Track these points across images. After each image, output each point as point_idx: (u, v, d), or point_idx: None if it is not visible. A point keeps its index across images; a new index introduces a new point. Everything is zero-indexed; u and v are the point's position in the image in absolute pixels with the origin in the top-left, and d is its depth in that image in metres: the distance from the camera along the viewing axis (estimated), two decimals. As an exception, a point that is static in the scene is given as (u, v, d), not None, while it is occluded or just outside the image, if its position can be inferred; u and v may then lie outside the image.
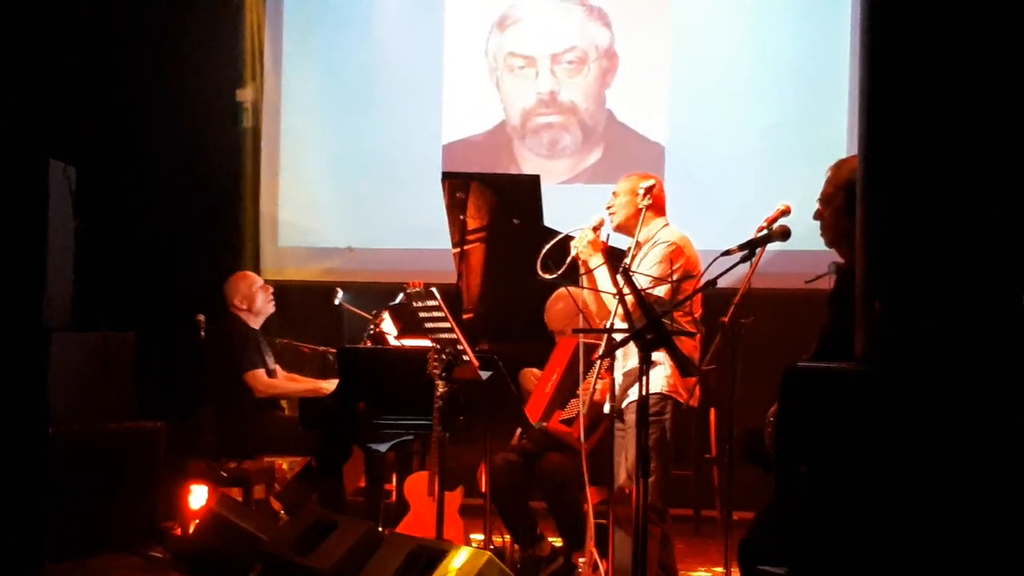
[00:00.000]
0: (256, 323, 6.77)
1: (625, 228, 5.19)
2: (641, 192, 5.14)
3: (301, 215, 8.77)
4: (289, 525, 5.19)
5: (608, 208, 5.23)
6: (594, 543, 5.39)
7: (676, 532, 5.21)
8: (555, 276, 5.04)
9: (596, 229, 5.09)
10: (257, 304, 6.75)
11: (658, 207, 5.19)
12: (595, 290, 5.08)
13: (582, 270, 5.08)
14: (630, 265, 4.90)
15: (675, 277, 4.93)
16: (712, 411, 7.00)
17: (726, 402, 4.80)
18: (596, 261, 5.05)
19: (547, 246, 5.03)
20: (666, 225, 5.18)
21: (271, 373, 6.65)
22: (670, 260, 5.00)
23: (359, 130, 8.69)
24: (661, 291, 4.90)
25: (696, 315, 5.05)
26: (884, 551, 2.48)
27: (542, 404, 5.63)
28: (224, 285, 6.81)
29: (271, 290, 6.85)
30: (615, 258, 5.04)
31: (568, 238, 5.09)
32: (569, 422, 5.47)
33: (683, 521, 6.82)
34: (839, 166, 3.79)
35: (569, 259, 5.04)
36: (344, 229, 8.65)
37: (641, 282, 4.69)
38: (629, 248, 5.09)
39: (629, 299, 4.45)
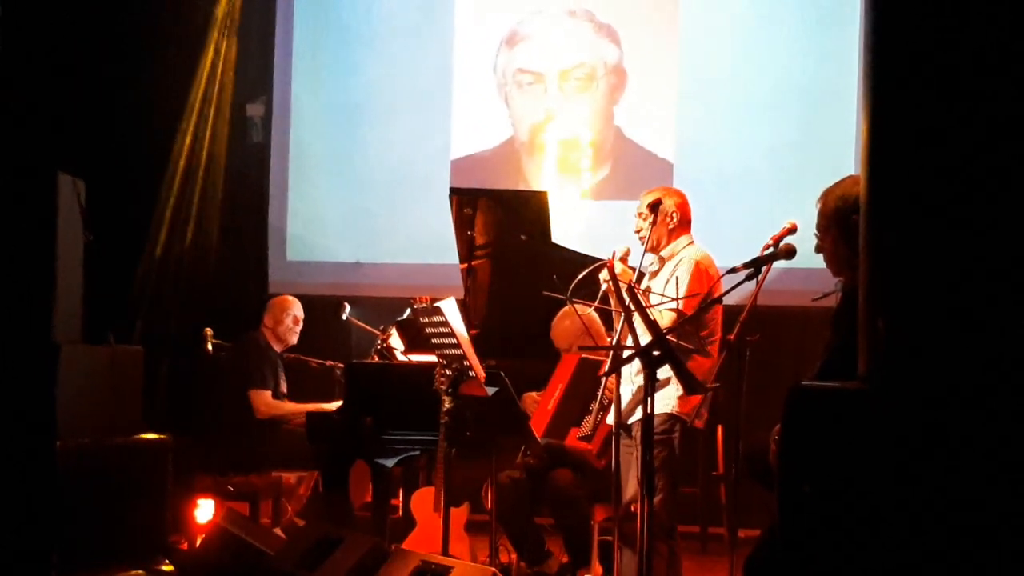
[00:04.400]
0: (278, 346, 6.86)
1: (655, 249, 5.16)
2: (671, 211, 5.13)
3: (309, 229, 8.81)
4: (295, 540, 5.19)
5: (637, 232, 5.18)
6: (599, 560, 5.39)
7: (683, 549, 5.20)
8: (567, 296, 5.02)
9: (624, 260, 5.03)
10: (281, 328, 6.90)
11: (685, 222, 5.18)
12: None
13: (612, 301, 4.97)
14: (652, 279, 4.89)
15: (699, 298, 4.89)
16: (719, 428, 7.00)
17: (733, 420, 4.78)
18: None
19: (579, 277, 4.85)
20: (691, 243, 5.16)
21: (279, 396, 6.69)
22: (698, 278, 4.98)
23: (368, 145, 8.73)
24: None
25: (717, 336, 5.02)
26: (888, 571, 2.48)
27: (544, 421, 5.60)
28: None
29: (300, 322, 6.93)
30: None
31: (597, 269, 4.98)
32: (588, 439, 5.45)
33: (690, 538, 6.81)
34: (825, 196, 3.77)
35: (601, 292, 4.98)
36: (352, 243, 8.68)
37: (671, 294, 4.73)
38: (651, 264, 5.07)
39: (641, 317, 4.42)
